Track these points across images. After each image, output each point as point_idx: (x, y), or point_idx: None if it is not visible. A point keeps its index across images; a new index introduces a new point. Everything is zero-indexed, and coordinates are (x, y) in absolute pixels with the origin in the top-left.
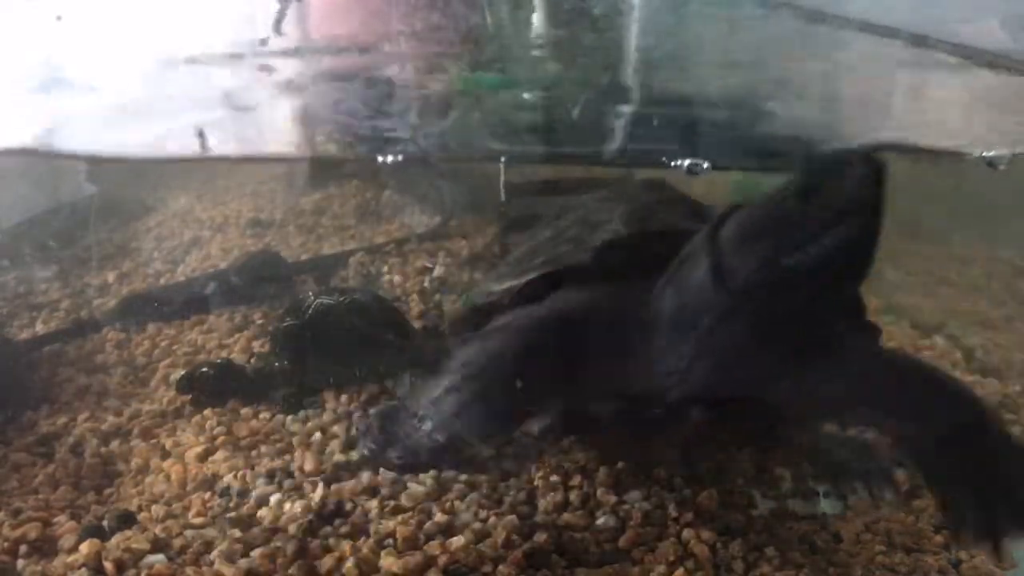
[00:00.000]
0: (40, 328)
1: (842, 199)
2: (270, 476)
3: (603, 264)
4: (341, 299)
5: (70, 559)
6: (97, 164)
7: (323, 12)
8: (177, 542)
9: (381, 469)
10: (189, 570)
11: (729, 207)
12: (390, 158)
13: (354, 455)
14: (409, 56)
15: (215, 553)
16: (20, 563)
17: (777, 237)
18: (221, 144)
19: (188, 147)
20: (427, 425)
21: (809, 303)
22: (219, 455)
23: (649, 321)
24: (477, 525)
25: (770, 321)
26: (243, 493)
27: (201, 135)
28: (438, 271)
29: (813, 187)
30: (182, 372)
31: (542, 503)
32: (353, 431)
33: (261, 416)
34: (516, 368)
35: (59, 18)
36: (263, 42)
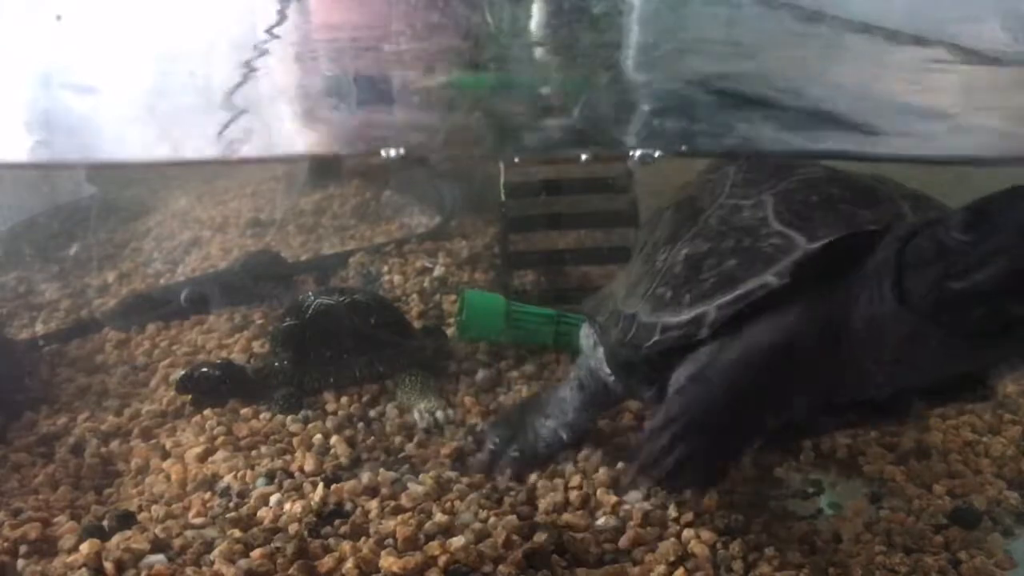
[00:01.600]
0: (40, 328)
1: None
2: (270, 476)
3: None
4: (341, 299)
5: (70, 559)
6: (98, 171)
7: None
8: (177, 542)
9: (381, 469)
10: (189, 570)
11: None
12: (392, 153)
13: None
14: (409, 55)
15: (215, 553)
16: (20, 563)
17: (947, 263)
18: (230, 147)
19: (190, 150)
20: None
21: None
22: (219, 455)
23: (850, 331)
24: (477, 525)
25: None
26: (243, 493)
27: (231, 144)
28: (438, 271)
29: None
30: (182, 372)
31: (542, 503)
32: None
33: (261, 416)
34: (741, 407)
35: (59, 18)
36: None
